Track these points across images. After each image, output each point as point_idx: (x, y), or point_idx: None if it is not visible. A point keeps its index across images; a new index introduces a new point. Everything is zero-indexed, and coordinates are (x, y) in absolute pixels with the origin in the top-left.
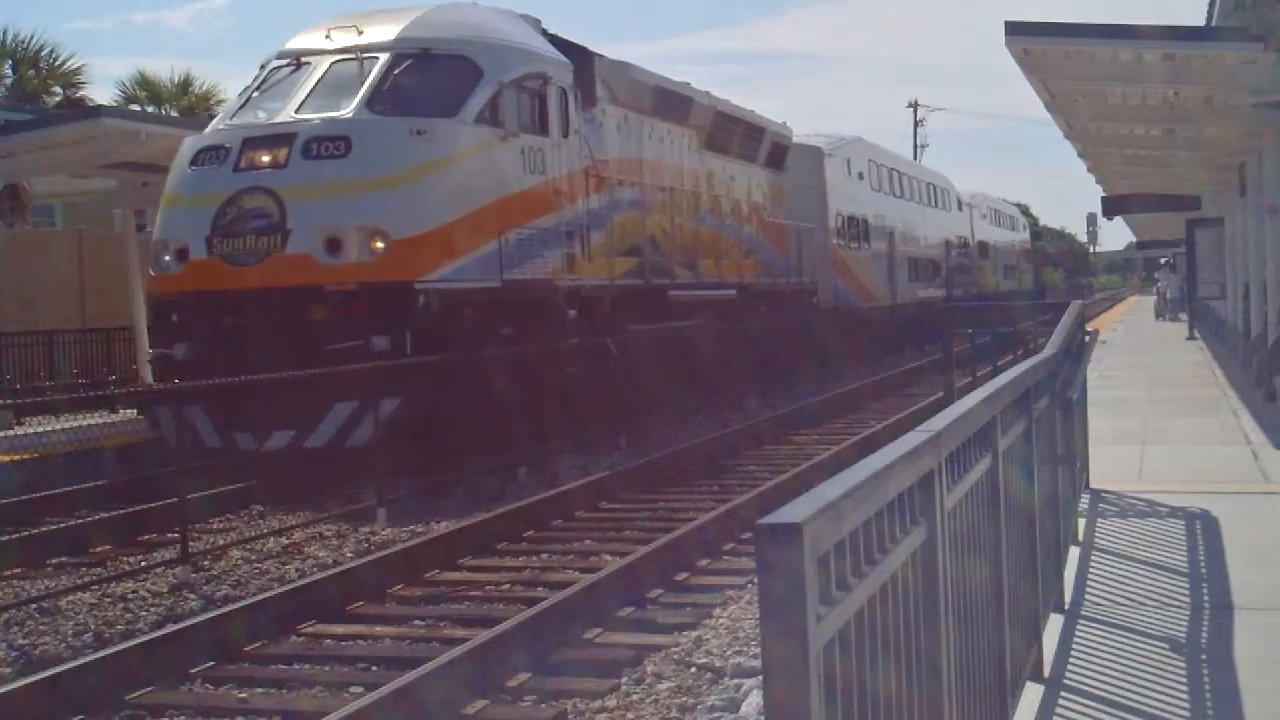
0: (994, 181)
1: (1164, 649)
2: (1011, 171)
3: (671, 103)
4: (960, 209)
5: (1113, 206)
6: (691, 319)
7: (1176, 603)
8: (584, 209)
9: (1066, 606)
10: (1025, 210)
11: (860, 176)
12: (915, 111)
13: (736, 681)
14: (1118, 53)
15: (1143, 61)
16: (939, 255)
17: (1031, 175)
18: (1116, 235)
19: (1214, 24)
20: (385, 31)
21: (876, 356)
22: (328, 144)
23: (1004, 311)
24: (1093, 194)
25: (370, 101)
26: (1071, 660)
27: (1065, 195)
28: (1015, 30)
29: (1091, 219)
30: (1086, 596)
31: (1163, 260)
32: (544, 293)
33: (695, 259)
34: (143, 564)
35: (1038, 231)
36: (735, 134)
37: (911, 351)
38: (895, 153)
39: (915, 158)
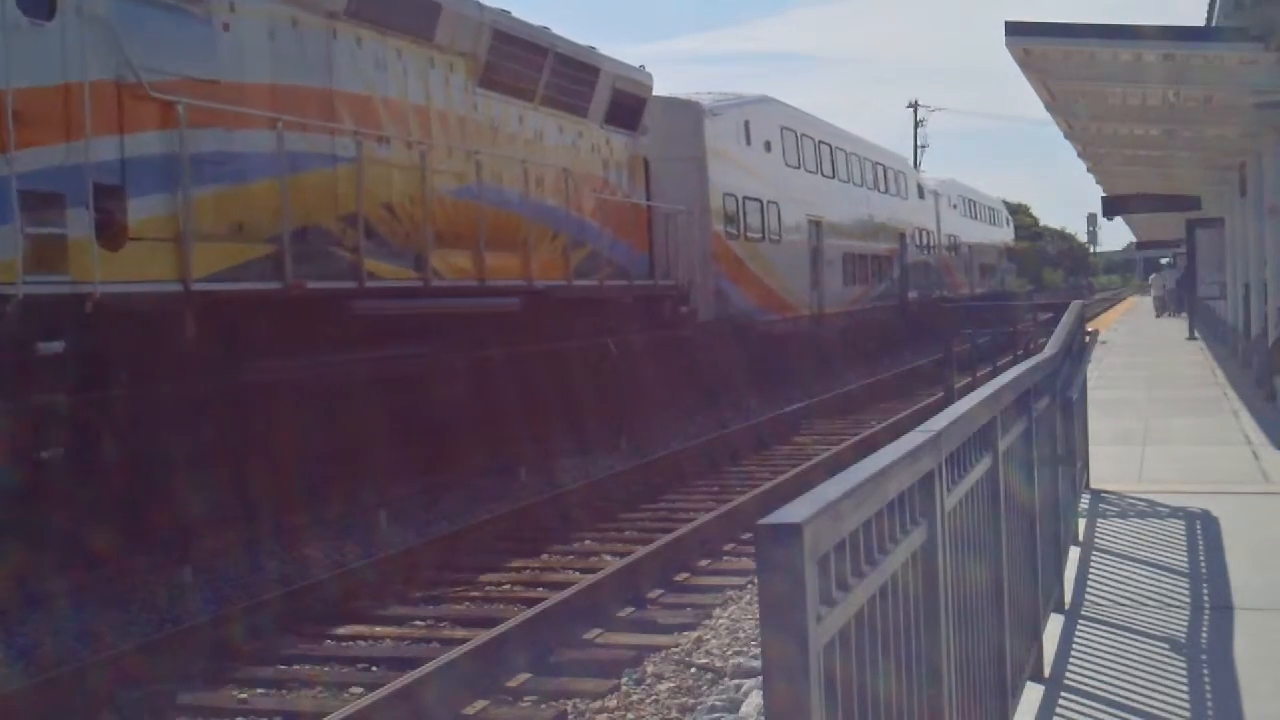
0: (995, 181)
1: (1164, 649)
2: (1011, 171)
3: (393, 7)
4: (923, 197)
5: (1113, 206)
6: (423, 345)
7: (1176, 603)
8: (106, 154)
9: (1066, 606)
10: (1025, 210)
11: (767, 147)
12: (915, 111)
13: (736, 682)
14: (1118, 53)
15: (1143, 62)
16: (890, 252)
17: (1031, 175)
18: (1116, 235)
19: (1214, 24)
20: None
21: (786, 387)
22: None
23: (999, 312)
24: (1093, 194)
25: None
26: (1071, 660)
27: (1065, 195)
28: (1015, 30)
29: (1091, 219)
30: (1086, 597)
31: (1164, 260)
32: None
33: (426, 250)
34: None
35: (1038, 232)
36: (540, 71)
37: (845, 376)
38: (828, 123)
39: (915, 158)
